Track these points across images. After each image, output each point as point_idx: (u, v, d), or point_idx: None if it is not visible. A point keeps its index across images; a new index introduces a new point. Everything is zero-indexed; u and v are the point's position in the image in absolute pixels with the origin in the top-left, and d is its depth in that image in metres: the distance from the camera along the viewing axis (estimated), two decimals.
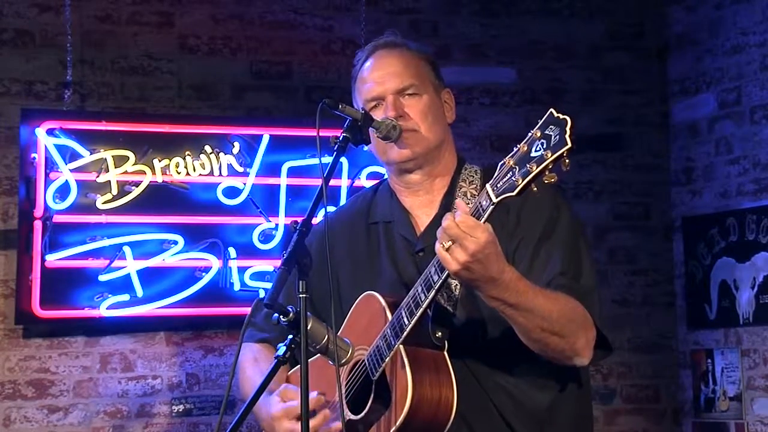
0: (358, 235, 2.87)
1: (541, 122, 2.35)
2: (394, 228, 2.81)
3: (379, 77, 2.79)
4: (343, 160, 4.73)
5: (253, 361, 2.87)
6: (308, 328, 2.48)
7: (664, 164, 5.60)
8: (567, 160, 2.31)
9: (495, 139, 5.35)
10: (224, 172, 4.88)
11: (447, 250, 2.40)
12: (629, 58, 5.61)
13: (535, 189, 2.36)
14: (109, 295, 4.71)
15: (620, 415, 5.44)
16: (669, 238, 5.57)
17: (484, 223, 2.41)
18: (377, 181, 3.04)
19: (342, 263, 2.85)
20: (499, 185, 2.38)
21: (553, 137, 2.32)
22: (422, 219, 2.80)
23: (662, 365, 5.50)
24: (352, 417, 2.65)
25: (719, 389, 5.25)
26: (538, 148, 2.33)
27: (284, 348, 2.49)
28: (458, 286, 2.64)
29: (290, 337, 2.49)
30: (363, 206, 2.92)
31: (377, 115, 2.75)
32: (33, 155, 4.66)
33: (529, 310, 2.50)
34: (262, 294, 4.72)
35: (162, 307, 4.77)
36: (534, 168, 2.33)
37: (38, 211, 4.64)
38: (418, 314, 2.53)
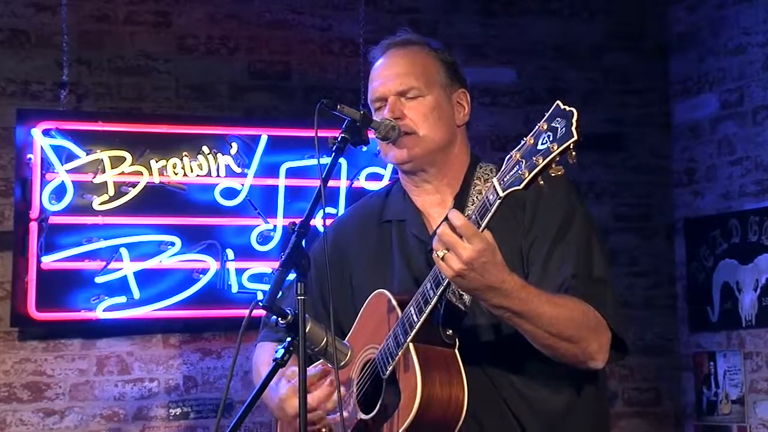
0: (371, 233, 2.87)
1: (547, 115, 2.36)
2: (407, 227, 2.82)
3: (384, 78, 2.80)
4: (342, 161, 4.72)
5: (269, 364, 2.87)
6: (307, 330, 2.48)
7: (666, 165, 5.60)
8: (574, 153, 2.30)
9: (495, 139, 5.36)
10: (222, 172, 4.89)
11: (442, 258, 2.41)
12: (630, 58, 5.61)
13: (542, 182, 2.36)
14: (106, 297, 4.71)
15: (622, 419, 5.44)
16: (671, 240, 5.58)
17: (484, 229, 2.41)
18: (388, 183, 3.05)
19: (355, 262, 2.86)
20: (506, 179, 2.38)
21: (559, 129, 2.32)
22: (435, 218, 2.80)
23: (664, 368, 5.51)
24: (363, 416, 2.66)
25: (721, 392, 5.26)
26: (544, 141, 2.33)
27: (282, 350, 2.50)
28: None
29: (288, 339, 2.50)
30: (376, 205, 2.92)
31: (382, 115, 2.76)
32: (29, 156, 4.66)
33: (535, 317, 2.50)
34: (260, 296, 4.72)
35: (159, 310, 4.77)
36: (540, 161, 2.33)
37: (34, 213, 4.64)
38: (427, 311, 2.53)
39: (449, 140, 2.80)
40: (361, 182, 4.96)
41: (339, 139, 2.63)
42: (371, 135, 2.72)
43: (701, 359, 5.37)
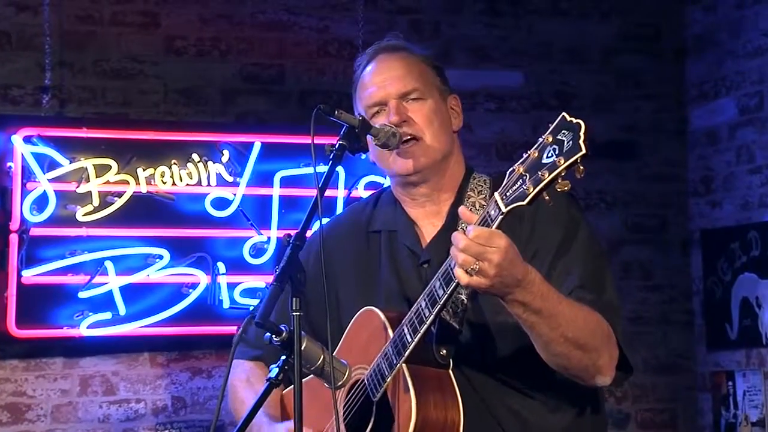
0: (357, 244, 2.88)
1: (552, 127, 2.36)
2: (399, 238, 2.82)
3: (381, 81, 2.80)
4: (340, 169, 4.75)
5: (246, 383, 2.88)
6: (302, 348, 2.48)
7: (682, 173, 5.61)
8: (581, 167, 2.31)
9: (501, 147, 5.36)
10: (213, 181, 4.89)
11: (475, 272, 2.39)
12: (644, 61, 5.62)
13: (547, 198, 2.37)
14: (90, 314, 4.71)
15: None
16: (687, 253, 5.58)
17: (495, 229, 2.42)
18: (375, 191, 3.05)
19: (341, 274, 2.85)
20: (508, 194, 2.39)
21: (565, 143, 2.32)
22: (428, 230, 2.81)
23: (680, 388, 5.50)
24: None
25: (741, 414, 5.26)
26: (549, 155, 2.34)
27: (277, 370, 2.49)
28: (464, 301, 2.64)
29: (283, 358, 2.49)
30: (363, 215, 2.92)
31: (379, 121, 2.75)
32: (9, 164, 4.67)
33: (553, 316, 2.50)
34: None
35: (146, 326, 4.77)
36: (546, 175, 2.33)
37: (14, 224, 4.64)
38: (422, 331, 2.54)
39: (450, 148, 2.82)
40: (360, 191, 4.97)
41: (336, 147, 2.63)
42: (370, 143, 2.73)
43: (719, 379, 5.37)
